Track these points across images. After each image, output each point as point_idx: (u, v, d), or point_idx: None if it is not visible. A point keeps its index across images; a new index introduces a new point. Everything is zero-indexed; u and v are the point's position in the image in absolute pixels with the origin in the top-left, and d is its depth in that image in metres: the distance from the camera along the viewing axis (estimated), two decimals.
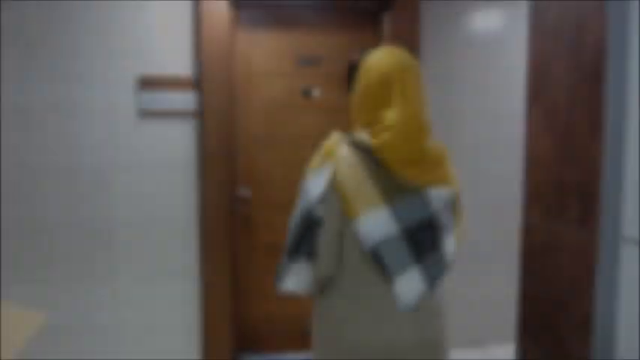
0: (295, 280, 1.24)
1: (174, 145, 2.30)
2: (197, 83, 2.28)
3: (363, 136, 1.27)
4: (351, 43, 2.58)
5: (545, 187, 1.19)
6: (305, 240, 1.23)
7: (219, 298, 2.37)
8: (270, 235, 2.54)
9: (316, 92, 2.56)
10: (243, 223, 2.54)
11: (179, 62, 2.28)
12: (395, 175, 1.24)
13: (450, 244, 1.31)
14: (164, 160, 2.30)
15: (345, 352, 1.24)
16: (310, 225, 1.22)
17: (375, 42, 2.59)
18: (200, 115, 2.29)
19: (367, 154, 1.24)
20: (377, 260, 1.22)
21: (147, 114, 2.26)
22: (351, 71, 1.37)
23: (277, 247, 1.70)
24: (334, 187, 1.22)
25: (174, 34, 2.27)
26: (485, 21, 2.62)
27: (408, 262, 1.23)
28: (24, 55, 2.16)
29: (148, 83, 2.24)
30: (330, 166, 1.23)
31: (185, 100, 2.28)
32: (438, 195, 1.28)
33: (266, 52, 2.52)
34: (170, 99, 2.27)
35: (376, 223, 1.21)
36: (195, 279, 2.36)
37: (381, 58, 1.30)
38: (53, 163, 2.21)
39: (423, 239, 1.25)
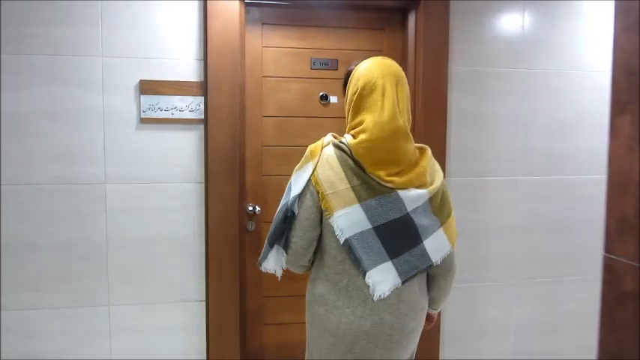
0: (272, 262, 1.43)
1: (178, 156, 2.11)
2: (204, 88, 2.09)
3: (347, 138, 1.39)
4: (373, 46, 2.39)
5: (637, 219, 0.98)
6: (283, 232, 1.39)
7: (227, 325, 2.16)
8: None
9: (334, 98, 2.37)
10: (252, 242, 2.34)
11: (185, 66, 2.09)
12: (371, 176, 1.35)
13: (435, 243, 1.40)
14: (166, 173, 2.10)
15: (333, 336, 1.39)
16: (288, 219, 1.38)
17: (400, 44, 2.41)
18: (206, 122, 2.10)
19: (348, 156, 1.36)
20: (351, 253, 1.35)
21: (148, 121, 2.07)
22: (348, 79, 1.47)
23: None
24: (312, 185, 1.37)
25: (180, 36, 2.09)
26: (521, 21, 2.40)
27: (381, 258, 1.36)
28: (17, 57, 1.96)
29: (150, 88, 2.05)
30: (311, 165, 1.38)
31: (190, 106, 2.09)
32: (412, 197, 1.36)
33: (279, 55, 2.33)
34: (174, 105, 2.08)
35: (350, 220, 1.34)
36: (200, 304, 2.17)
37: (367, 67, 1.40)
38: (45, 174, 2.00)
39: (398, 238, 1.37)
